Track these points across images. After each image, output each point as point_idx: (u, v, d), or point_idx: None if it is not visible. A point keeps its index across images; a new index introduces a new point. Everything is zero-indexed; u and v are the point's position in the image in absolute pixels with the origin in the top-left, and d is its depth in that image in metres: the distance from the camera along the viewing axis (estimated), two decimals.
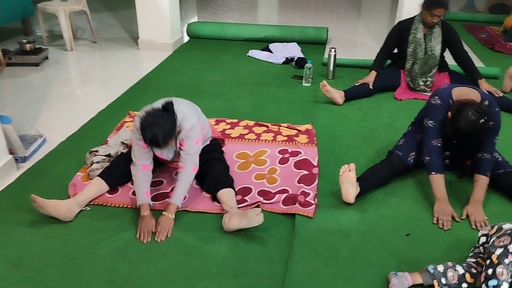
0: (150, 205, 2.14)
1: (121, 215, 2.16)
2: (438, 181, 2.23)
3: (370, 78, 3.53)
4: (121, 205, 2.21)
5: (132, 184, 2.31)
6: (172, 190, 2.29)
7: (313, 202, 2.21)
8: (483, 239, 1.74)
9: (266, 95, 3.58)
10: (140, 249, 1.96)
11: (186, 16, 6.35)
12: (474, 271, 1.70)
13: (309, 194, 2.27)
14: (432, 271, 1.72)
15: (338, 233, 2.05)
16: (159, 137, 1.98)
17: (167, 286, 1.77)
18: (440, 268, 1.73)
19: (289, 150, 2.70)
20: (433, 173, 2.24)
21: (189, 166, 2.16)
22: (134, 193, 2.27)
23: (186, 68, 4.20)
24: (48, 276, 1.81)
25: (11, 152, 2.55)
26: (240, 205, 2.18)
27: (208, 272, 1.84)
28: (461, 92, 2.24)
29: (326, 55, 4.30)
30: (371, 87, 3.49)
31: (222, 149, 2.55)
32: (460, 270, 1.71)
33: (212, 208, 2.19)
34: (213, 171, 2.26)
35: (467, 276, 1.69)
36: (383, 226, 2.11)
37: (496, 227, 1.68)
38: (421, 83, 3.50)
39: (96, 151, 2.48)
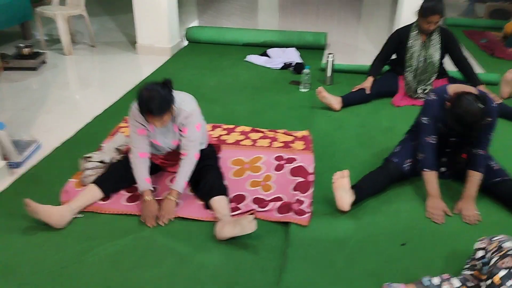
0: (151, 190, 2.19)
1: (114, 223, 2.14)
2: (431, 178, 2.26)
3: (367, 83, 3.52)
4: (113, 212, 2.19)
5: (127, 191, 2.31)
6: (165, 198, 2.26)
7: (308, 210, 2.19)
8: (480, 253, 1.70)
9: (264, 100, 3.57)
10: (132, 257, 1.93)
11: (186, 20, 6.34)
12: (470, 284, 1.66)
13: (304, 202, 2.24)
14: (427, 283, 1.69)
15: (333, 241, 2.03)
16: (155, 101, 1.97)
17: None
18: (436, 280, 1.69)
19: (285, 157, 2.67)
20: (426, 170, 2.26)
21: (191, 153, 2.20)
22: (127, 200, 2.26)
23: (184, 72, 4.18)
24: (40, 284, 1.78)
25: (5, 157, 2.53)
26: (233, 213, 2.16)
27: (200, 281, 1.81)
28: (457, 87, 2.24)
29: (324, 61, 4.29)
30: (368, 92, 3.47)
31: (218, 155, 2.53)
32: (456, 283, 1.67)
33: (205, 216, 2.17)
34: (207, 178, 2.24)
35: None
36: (379, 234, 2.08)
37: (495, 244, 1.63)
38: (419, 91, 3.47)
39: (90, 157, 2.46)
